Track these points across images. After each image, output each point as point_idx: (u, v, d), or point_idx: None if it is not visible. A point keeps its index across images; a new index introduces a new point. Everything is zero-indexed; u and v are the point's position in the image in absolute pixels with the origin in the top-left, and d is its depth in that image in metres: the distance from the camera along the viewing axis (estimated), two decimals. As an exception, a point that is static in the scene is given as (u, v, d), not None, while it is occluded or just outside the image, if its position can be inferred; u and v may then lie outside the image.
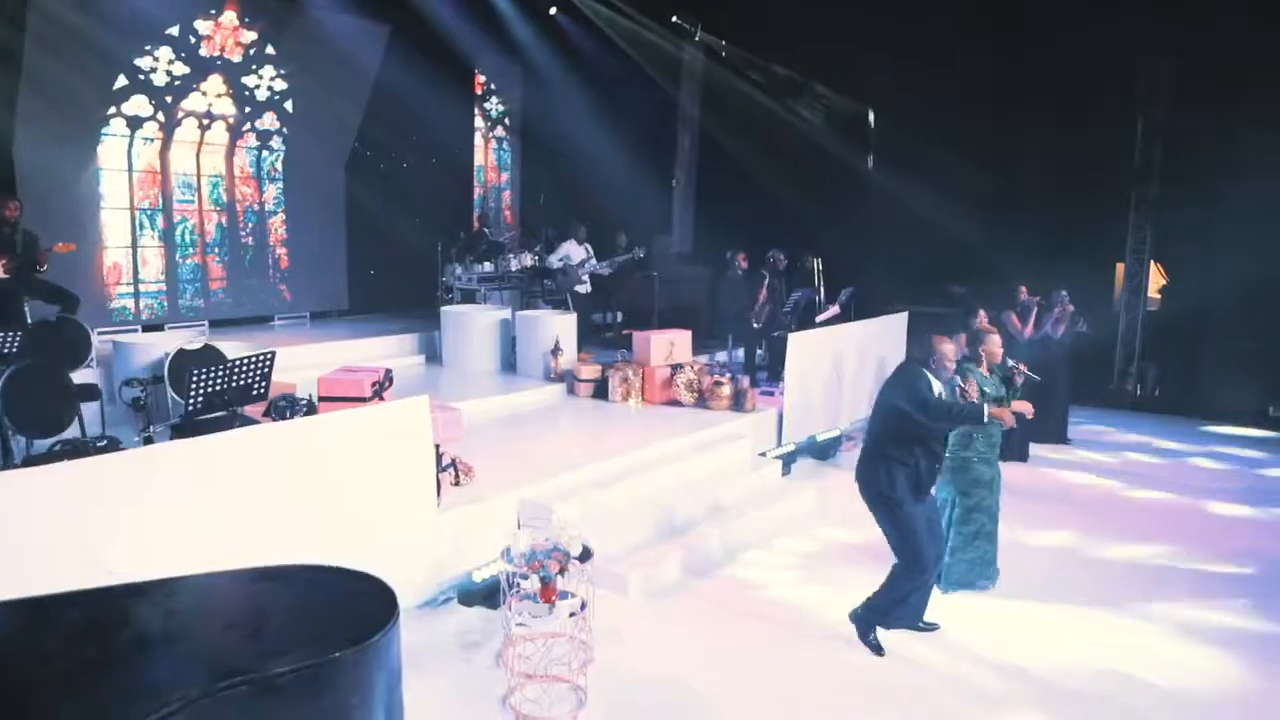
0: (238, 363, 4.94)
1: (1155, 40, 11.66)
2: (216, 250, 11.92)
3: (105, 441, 4.90)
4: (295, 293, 12.73)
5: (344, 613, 2.74)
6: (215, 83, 11.28)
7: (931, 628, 5.27)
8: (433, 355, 10.88)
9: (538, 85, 14.80)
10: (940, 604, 5.52)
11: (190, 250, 11.61)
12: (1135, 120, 12.35)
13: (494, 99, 15.47)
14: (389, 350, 10.47)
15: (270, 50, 11.73)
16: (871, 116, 13.40)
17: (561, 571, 4.26)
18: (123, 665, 2.38)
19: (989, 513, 5.82)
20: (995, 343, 5.85)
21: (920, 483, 4.91)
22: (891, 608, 5.03)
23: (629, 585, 5.73)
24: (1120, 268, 13.20)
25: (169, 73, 10.73)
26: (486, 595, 5.46)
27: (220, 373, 4.84)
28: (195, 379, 4.77)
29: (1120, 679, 4.74)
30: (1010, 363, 6.08)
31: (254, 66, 11.64)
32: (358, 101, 12.60)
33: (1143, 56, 11.95)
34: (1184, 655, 5.09)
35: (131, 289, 10.99)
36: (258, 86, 11.74)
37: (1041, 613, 5.61)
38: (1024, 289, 9.65)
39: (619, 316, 12.72)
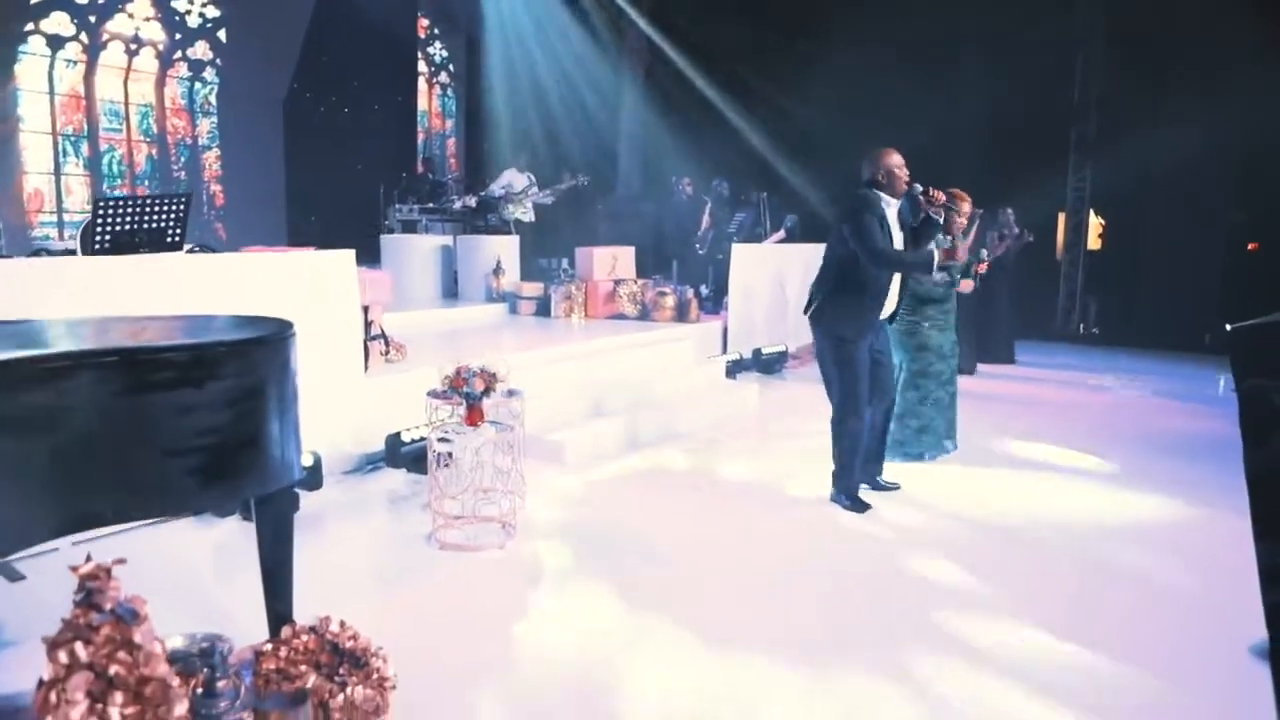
0: (148, 201, 4.68)
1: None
2: (147, 183, 11.53)
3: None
4: (231, 231, 12.37)
5: (239, 331, 2.58)
6: (142, 4, 10.91)
7: (892, 487, 5.12)
8: (373, 283, 10.62)
9: (481, 29, 14.56)
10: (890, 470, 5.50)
11: (118, 181, 11.21)
12: (1074, 60, 12.48)
13: (437, 43, 15.20)
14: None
15: (201, -27, 11.41)
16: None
17: (487, 391, 4.10)
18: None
19: (938, 379, 5.71)
20: (964, 210, 5.73)
21: (868, 318, 4.68)
22: (853, 460, 4.81)
23: (565, 453, 5.58)
24: (1062, 217, 13.37)
25: (93, -10, 10.37)
26: (415, 459, 5.27)
27: (129, 209, 4.58)
28: (101, 213, 4.51)
29: (1068, 525, 4.70)
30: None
31: (183, -10, 11.30)
32: (295, 36, 12.28)
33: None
34: (1129, 500, 5.08)
35: (55, 217, 10.58)
36: (188, 12, 11.39)
37: (995, 477, 5.55)
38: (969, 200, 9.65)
39: (565, 263, 12.55)
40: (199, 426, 2.27)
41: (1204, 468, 5.68)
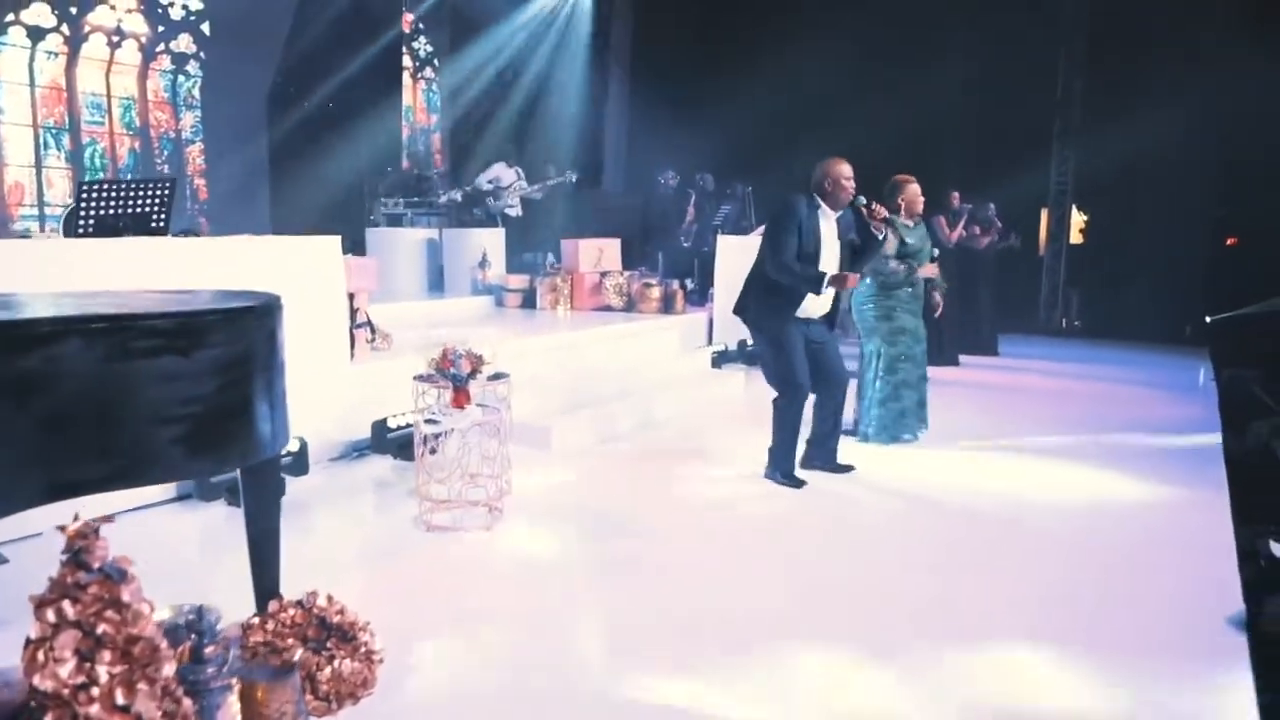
0: (133, 184, 4.66)
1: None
2: (129, 177, 11.44)
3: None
4: (215, 225, 12.27)
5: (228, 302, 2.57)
6: (125, -4, 10.86)
7: (847, 469, 5.18)
8: (357, 278, 10.58)
9: (465, 25, 14.53)
10: (859, 451, 5.57)
11: (100, 174, 11.13)
12: (1057, 55, 12.59)
13: (422, 38, 15.16)
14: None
15: (184, -34, 11.34)
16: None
17: (474, 374, 4.10)
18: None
19: (914, 361, 5.81)
20: (913, 192, 5.83)
21: (787, 313, 4.76)
22: (789, 440, 4.91)
23: (551, 440, 5.59)
24: (1045, 212, 13.45)
25: (75, -21, 10.29)
26: (401, 446, 5.27)
27: (114, 192, 4.56)
28: (85, 195, 4.48)
29: (1045, 505, 4.74)
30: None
31: (166, -18, 11.24)
32: (279, 30, 12.19)
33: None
34: (1107, 481, 5.11)
35: (36, 210, 10.50)
36: (171, 4, 11.32)
37: (972, 459, 5.61)
38: (956, 196, 9.74)
39: (550, 258, 12.54)
40: (186, 395, 2.26)
41: (1184, 452, 5.75)
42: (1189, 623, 3.28)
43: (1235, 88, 10.74)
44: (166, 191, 4.77)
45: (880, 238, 4.91)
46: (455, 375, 4.05)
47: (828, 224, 4.79)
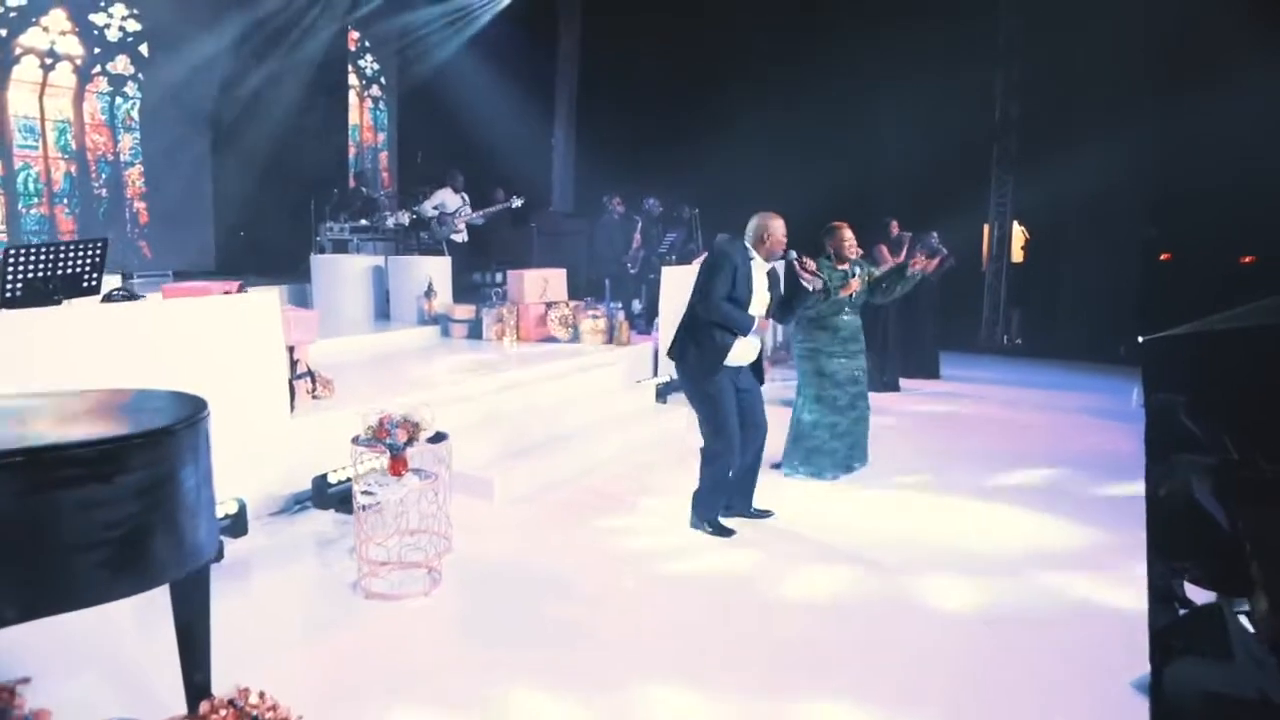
0: (64, 247, 4.60)
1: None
2: (66, 201, 11.22)
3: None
4: (156, 250, 12.10)
5: (151, 416, 2.58)
6: (58, 18, 10.61)
7: (765, 514, 5.31)
8: (303, 306, 10.49)
9: (413, 44, 14.47)
10: (784, 493, 5.73)
11: (35, 200, 10.89)
12: (994, 79, 12.86)
13: (368, 56, 15.04)
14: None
15: (121, -13, 11.14)
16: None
17: (410, 442, 4.12)
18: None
19: (832, 405, 5.96)
20: (841, 238, 5.96)
21: (725, 356, 4.90)
22: (717, 489, 5.04)
23: (494, 490, 5.62)
24: (988, 230, 13.73)
25: (2, 2, 10.03)
26: (342, 500, 5.26)
27: (44, 256, 4.49)
28: (14, 260, 4.42)
29: (954, 551, 4.88)
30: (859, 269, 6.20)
31: (102, 3, 11.00)
32: (220, 51, 12.05)
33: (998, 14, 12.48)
34: (1025, 522, 5.27)
35: (-34, 238, 10.26)
36: (107, 26, 11.10)
37: (883, 499, 5.75)
38: (895, 224, 9.93)
39: (498, 276, 12.52)
40: (108, 520, 2.27)
41: (1115, 489, 5.91)
42: (1089, 686, 3.38)
43: (1171, 110, 11.03)
44: (97, 252, 4.72)
45: (810, 290, 5.18)
46: (392, 444, 4.06)
47: (759, 273, 5.00)
